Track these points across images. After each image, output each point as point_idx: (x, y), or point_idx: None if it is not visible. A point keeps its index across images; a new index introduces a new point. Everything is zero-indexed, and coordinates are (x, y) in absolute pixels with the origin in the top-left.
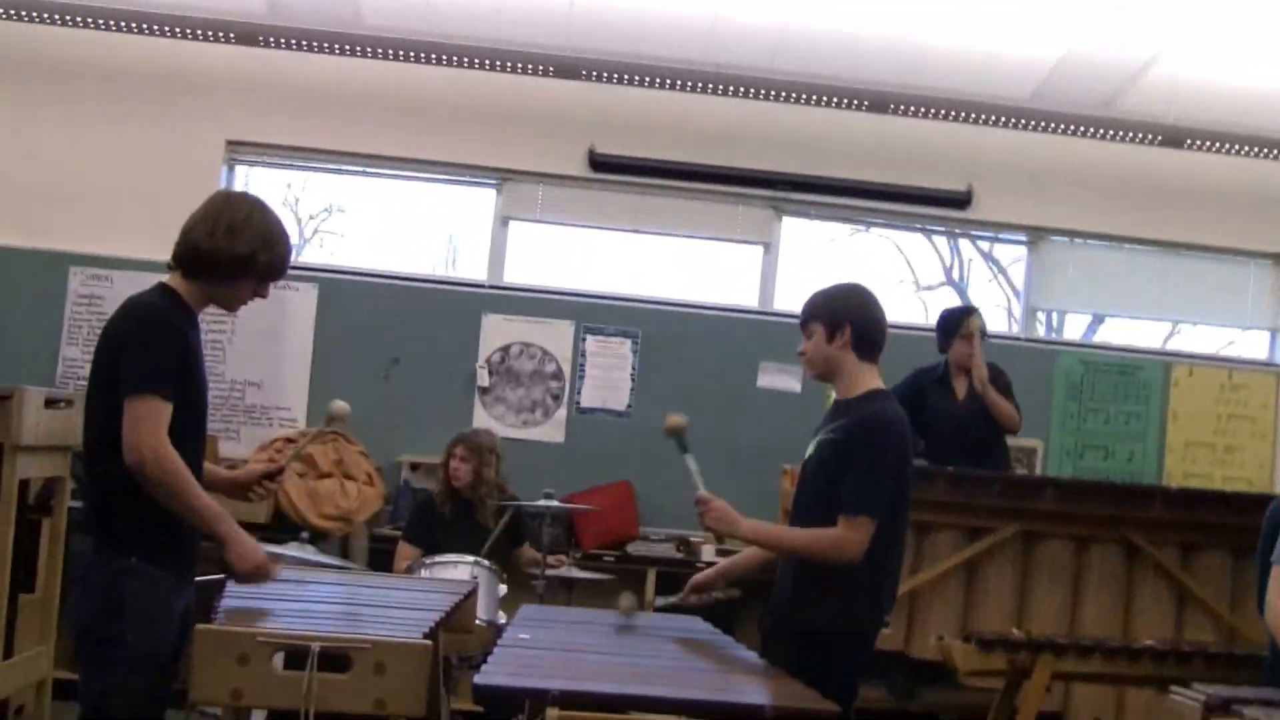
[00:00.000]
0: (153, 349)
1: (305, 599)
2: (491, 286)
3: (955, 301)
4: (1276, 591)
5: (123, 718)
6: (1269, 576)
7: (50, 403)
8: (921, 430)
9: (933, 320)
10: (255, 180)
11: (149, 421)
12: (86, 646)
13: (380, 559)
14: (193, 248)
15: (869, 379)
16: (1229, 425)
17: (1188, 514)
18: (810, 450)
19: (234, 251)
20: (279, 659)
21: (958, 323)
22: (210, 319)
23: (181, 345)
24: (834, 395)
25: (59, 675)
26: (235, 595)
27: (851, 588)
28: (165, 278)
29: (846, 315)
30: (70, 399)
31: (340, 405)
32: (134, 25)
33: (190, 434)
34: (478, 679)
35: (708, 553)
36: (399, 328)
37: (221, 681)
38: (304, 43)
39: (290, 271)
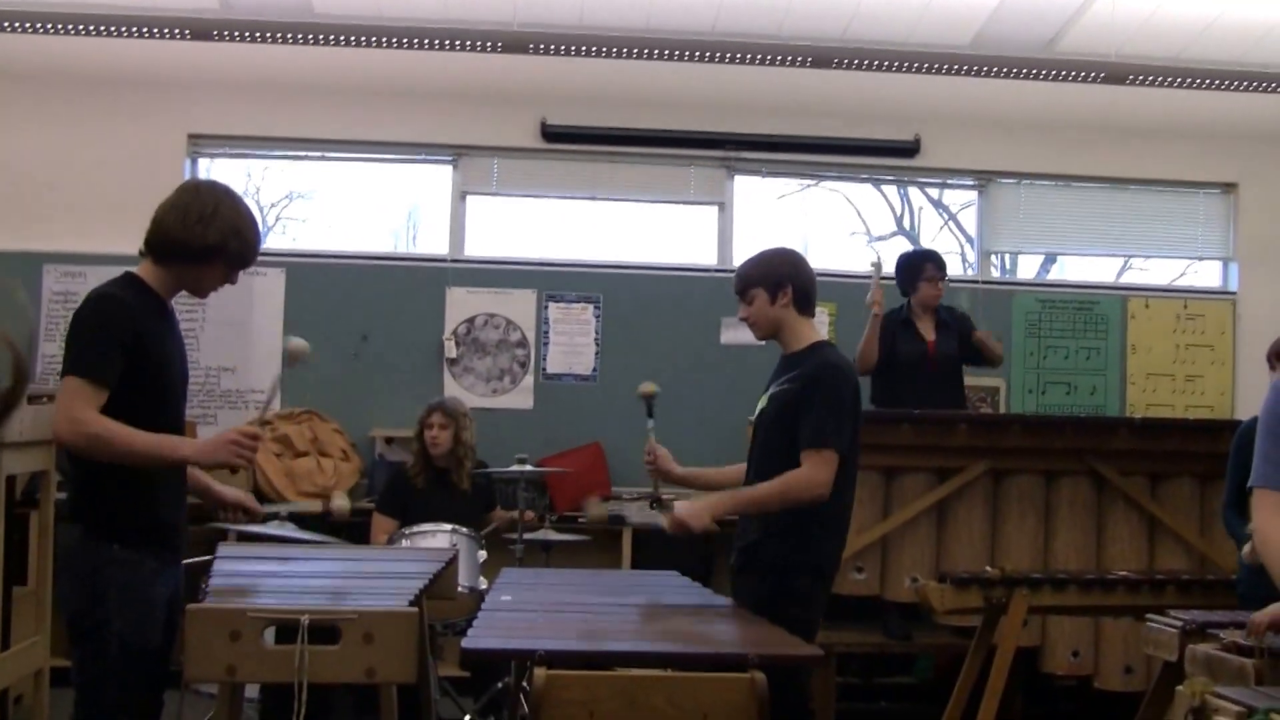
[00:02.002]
0: (86, 335)
1: (291, 574)
2: (454, 260)
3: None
4: (1265, 518)
5: (115, 705)
6: (1251, 500)
7: (33, 398)
8: (891, 374)
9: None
10: (217, 171)
11: (66, 400)
12: (75, 634)
13: (359, 532)
14: (165, 236)
15: (811, 332)
16: (1188, 354)
17: (1153, 443)
18: (763, 404)
19: (206, 241)
20: (270, 634)
21: (918, 268)
22: (182, 309)
23: (126, 331)
24: None
25: (55, 664)
26: (223, 575)
27: (812, 525)
28: (135, 267)
29: (786, 276)
30: (52, 394)
31: (298, 342)
32: (92, 28)
33: (157, 414)
34: (465, 643)
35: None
36: (366, 306)
37: (215, 659)
38: (257, 34)
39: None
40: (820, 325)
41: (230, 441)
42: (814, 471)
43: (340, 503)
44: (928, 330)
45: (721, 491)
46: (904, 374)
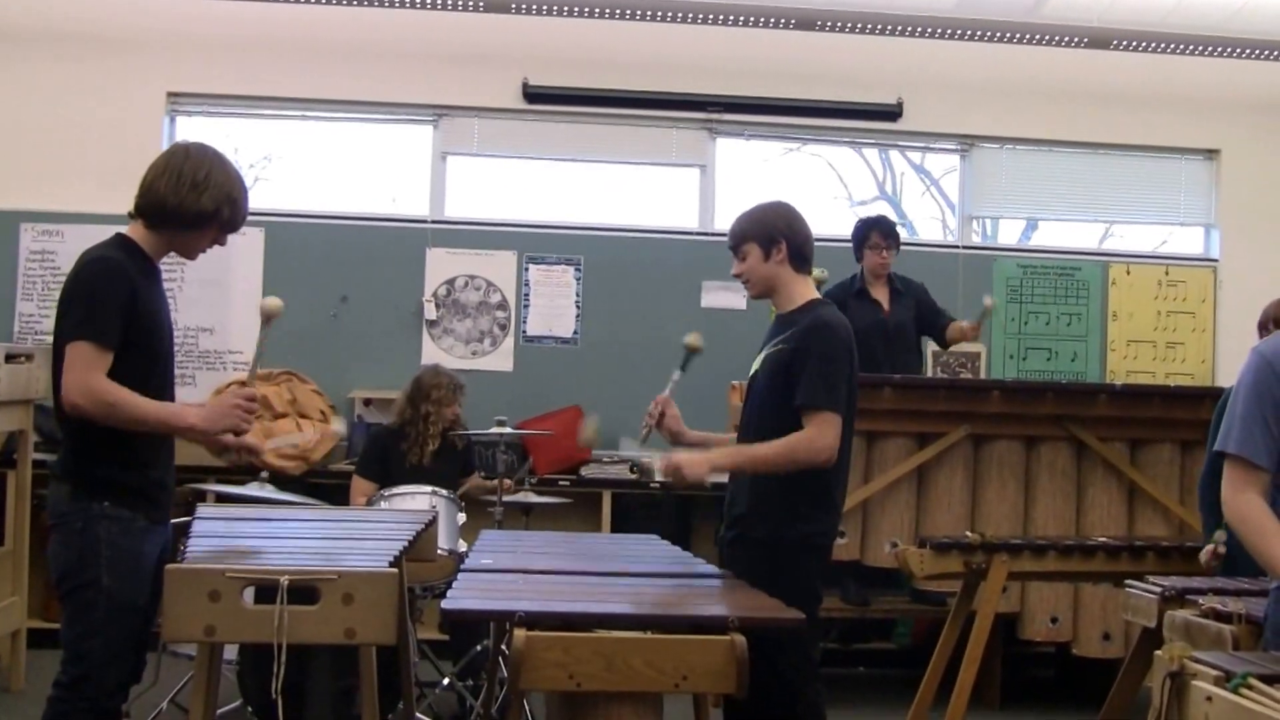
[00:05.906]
0: (91, 298)
1: (271, 535)
2: (434, 221)
3: (890, 215)
4: (1236, 491)
5: (103, 659)
6: (1224, 466)
7: (10, 358)
8: None
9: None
10: (196, 130)
11: (78, 365)
12: (65, 591)
13: (337, 494)
14: (158, 202)
15: (806, 290)
16: (1169, 321)
17: (1133, 410)
18: (756, 366)
19: (200, 207)
20: (249, 594)
21: (864, 236)
22: (161, 269)
23: (127, 293)
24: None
25: (33, 625)
26: (202, 535)
27: (808, 494)
28: (124, 228)
29: (780, 232)
30: (30, 353)
31: (270, 301)
32: None
33: (149, 375)
34: (445, 604)
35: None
36: (346, 266)
37: (194, 619)
38: None
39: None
40: None
41: (234, 406)
42: (818, 433)
43: (337, 427)
44: (882, 298)
45: (725, 447)
46: (859, 341)
